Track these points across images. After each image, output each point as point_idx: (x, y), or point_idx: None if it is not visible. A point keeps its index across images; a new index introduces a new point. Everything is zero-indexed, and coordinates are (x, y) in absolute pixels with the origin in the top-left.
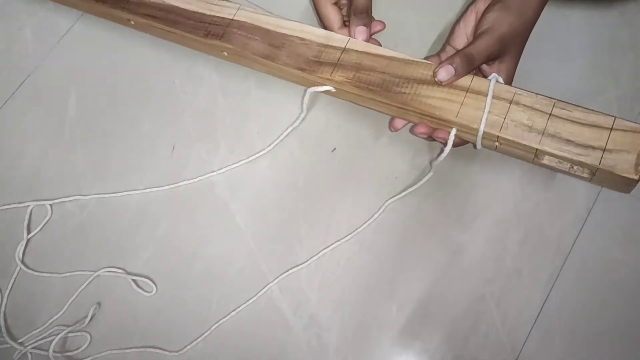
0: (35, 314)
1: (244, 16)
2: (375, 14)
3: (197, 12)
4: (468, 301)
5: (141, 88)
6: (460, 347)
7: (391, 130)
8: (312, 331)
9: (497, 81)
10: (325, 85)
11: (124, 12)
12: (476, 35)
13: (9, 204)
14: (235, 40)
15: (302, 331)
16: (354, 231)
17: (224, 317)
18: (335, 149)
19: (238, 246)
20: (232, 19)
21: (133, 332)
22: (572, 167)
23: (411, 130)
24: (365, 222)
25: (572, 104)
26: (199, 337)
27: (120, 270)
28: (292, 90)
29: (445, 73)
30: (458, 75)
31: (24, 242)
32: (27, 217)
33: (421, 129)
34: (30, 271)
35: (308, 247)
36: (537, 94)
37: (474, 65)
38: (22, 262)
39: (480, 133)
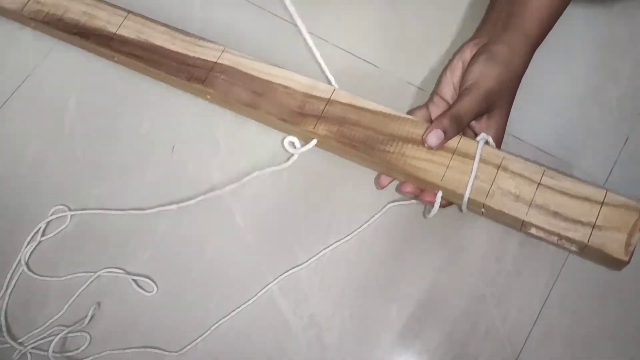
0: (36, 314)
1: (227, 59)
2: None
3: (180, 53)
4: (468, 301)
5: (141, 88)
6: (460, 347)
7: (377, 188)
8: (312, 331)
9: (486, 142)
10: (309, 143)
11: (107, 50)
12: (462, 92)
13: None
14: (218, 86)
15: (302, 331)
16: (354, 231)
17: (224, 317)
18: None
19: (238, 246)
20: (215, 62)
21: (133, 333)
22: (560, 239)
23: (397, 189)
24: (366, 222)
25: (562, 173)
26: (198, 338)
27: (120, 271)
28: None
29: (435, 138)
30: (448, 138)
31: (34, 244)
32: (45, 221)
33: (407, 189)
34: (31, 274)
35: (308, 247)
36: (526, 159)
37: (462, 126)
38: (27, 264)
39: (466, 200)
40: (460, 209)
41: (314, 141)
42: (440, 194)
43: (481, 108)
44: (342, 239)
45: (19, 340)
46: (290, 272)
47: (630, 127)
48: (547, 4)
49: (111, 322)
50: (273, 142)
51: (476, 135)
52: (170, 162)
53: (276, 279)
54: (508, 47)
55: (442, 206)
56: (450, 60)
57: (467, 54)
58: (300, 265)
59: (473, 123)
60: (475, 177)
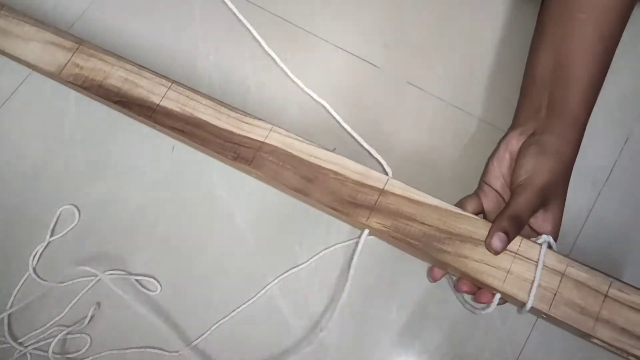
0: (37, 315)
1: (275, 140)
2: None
3: (226, 130)
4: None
5: None
6: (460, 347)
7: (430, 281)
8: (312, 331)
9: (549, 245)
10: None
11: (150, 122)
12: (516, 189)
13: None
14: (266, 168)
15: (302, 331)
16: (354, 231)
17: (224, 317)
18: (335, 148)
19: (238, 246)
20: (263, 142)
21: (133, 333)
22: (628, 356)
23: (454, 288)
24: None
25: (630, 286)
26: (199, 338)
27: (122, 272)
28: None
29: (499, 242)
30: (510, 239)
31: (44, 244)
32: (54, 220)
33: (464, 288)
34: (37, 278)
35: (308, 247)
36: (591, 267)
37: (522, 225)
38: (34, 266)
39: (528, 308)
40: (519, 312)
41: (366, 232)
42: (498, 296)
43: (538, 204)
44: (343, 239)
45: (19, 341)
46: (290, 272)
47: (630, 127)
48: (588, 79)
49: (111, 322)
50: None
51: (532, 229)
52: (170, 163)
53: (276, 279)
54: (558, 137)
55: (498, 304)
56: (496, 149)
57: (514, 144)
58: (300, 265)
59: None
60: (538, 285)
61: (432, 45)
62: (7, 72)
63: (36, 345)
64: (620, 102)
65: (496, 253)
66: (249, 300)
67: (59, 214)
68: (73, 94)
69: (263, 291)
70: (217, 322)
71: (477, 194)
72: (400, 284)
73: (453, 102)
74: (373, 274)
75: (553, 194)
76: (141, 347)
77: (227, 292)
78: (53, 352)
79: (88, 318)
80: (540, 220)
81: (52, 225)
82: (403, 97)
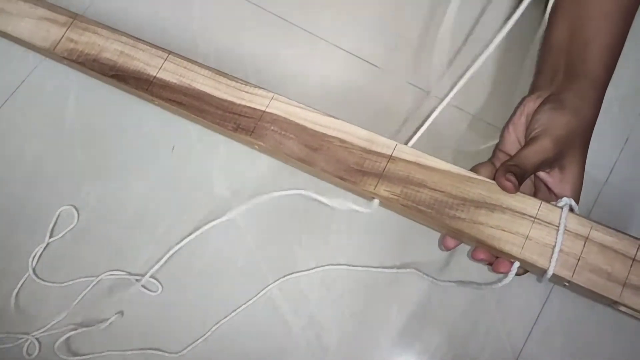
0: (37, 315)
1: (277, 108)
2: None
3: (225, 100)
4: (468, 301)
5: None
6: (460, 347)
7: (442, 250)
8: (312, 331)
9: (570, 208)
10: (371, 204)
11: (147, 95)
12: (528, 140)
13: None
14: (268, 138)
15: (302, 331)
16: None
17: (224, 317)
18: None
19: (238, 246)
20: (264, 111)
21: (133, 333)
22: None
23: (470, 256)
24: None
25: None
26: (199, 338)
27: (123, 272)
28: None
29: (507, 182)
30: (515, 187)
31: (43, 245)
32: (54, 220)
33: (480, 256)
34: (36, 278)
35: (308, 247)
36: (617, 230)
37: (527, 171)
38: (34, 267)
39: (549, 276)
40: (539, 280)
41: (376, 201)
42: (516, 264)
43: (549, 155)
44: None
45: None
46: (291, 275)
47: (630, 127)
48: (607, 44)
49: (113, 323)
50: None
51: (549, 191)
52: (170, 162)
53: (276, 280)
54: (575, 95)
55: (517, 274)
56: (512, 116)
57: (530, 105)
58: (300, 265)
59: (546, 178)
60: (560, 250)
61: (433, 44)
62: (7, 72)
63: (43, 334)
64: (620, 102)
65: (507, 190)
66: (249, 300)
67: (58, 215)
68: (73, 94)
69: (263, 292)
70: (217, 323)
71: (491, 161)
72: (400, 284)
73: (453, 102)
74: (373, 273)
75: (569, 151)
76: (141, 349)
77: (227, 292)
78: (58, 348)
79: (107, 323)
80: (558, 181)
81: (51, 226)
82: (404, 98)
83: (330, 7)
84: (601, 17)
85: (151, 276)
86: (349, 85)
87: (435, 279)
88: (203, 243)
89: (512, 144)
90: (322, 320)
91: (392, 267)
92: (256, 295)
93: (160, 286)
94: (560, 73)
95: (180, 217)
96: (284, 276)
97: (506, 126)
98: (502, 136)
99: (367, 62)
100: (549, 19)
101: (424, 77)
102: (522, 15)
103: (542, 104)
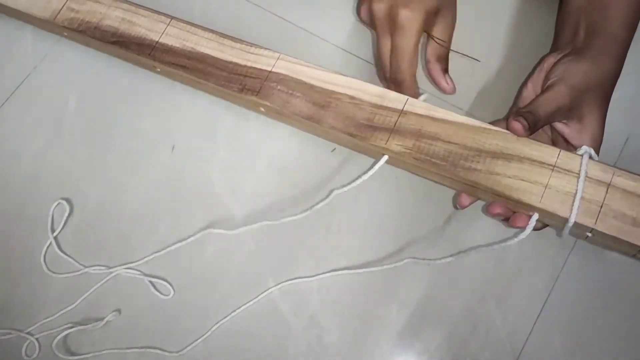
0: (42, 309)
1: (284, 67)
2: None
3: (230, 62)
4: (468, 301)
5: (141, 87)
6: (460, 347)
7: (456, 208)
8: (312, 331)
9: (590, 157)
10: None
11: (149, 60)
12: (543, 89)
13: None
14: (274, 97)
15: (302, 331)
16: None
17: (224, 317)
18: (335, 149)
19: (238, 247)
20: (270, 71)
21: (132, 333)
22: None
23: (486, 210)
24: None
25: None
26: (199, 338)
27: (136, 272)
28: None
29: (517, 123)
30: (525, 129)
31: (48, 242)
32: (50, 216)
33: (497, 210)
34: (47, 271)
35: (308, 247)
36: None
37: (540, 118)
38: (45, 261)
39: (571, 224)
40: (559, 234)
41: (385, 157)
42: (535, 216)
43: (564, 103)
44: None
45: (27, 331)
46: (291, 277)
47: (630, 127)
48: (628, 4)
49: (112, 322)
50: (274, 142)
51: (567, 143)
52: (170, 162)
53: (276, 280)
54: (596, 49)
55: (535, 229)
56: (530, 74)
57: (551, 59)
58: (300, 266)
59: (563, 129)
60: (581, 197)
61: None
62: (7, 71)
63: (41, 335)
64: (621, 102)
65: (517, 132)
66: (249, 300)
67: (53, 210)
68: (73, 94)
69: (263, 292)
70: (217, 323)
71: (505, 119)
72: (400, 284)
73: (454, 102)
74: (373, 273)
75: (587, 101)
76: (142, 347)
77: (227, 292)
78: (56, 345)
79: (104, 322)
80: (576, 133)
81: (61, 222)
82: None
83: (330, 7)
84: None
85: (162, 278)
86: None
87: (432, 259)
88: (203, 242)
89: (529, 100)
90: (322, 320)
91: (389, 263)
92: (256, 296)
93: (172, 290)
94: (580, 32)
95: (180, 217)
96: (286, 280)
97: (524, 84)
98: (519, 93)
99: (366, 61)
100: None
101: (423, 77)
102: (525, 15)
103: (561, 58)
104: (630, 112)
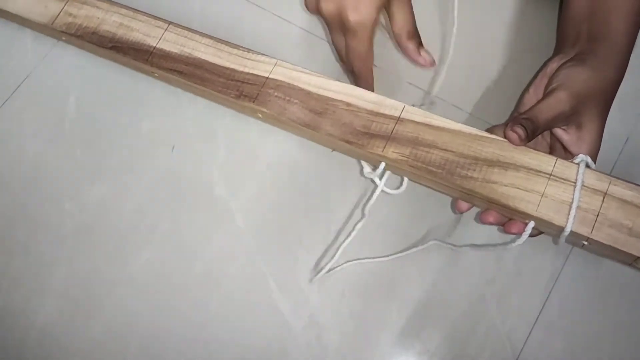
0: None
1: (281, 74)
2: None
3: (227, 68)
4: (468, 301)
5: (141, 88)
6: (460, 347)
7: (455, 213)
8: (312, 331)
9: (587, 165)
10: (379, 166)
11: (147, 66)
12: (544, 95)
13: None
14: (272, 104)
15: (302, 331)
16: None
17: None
18: (334, 149)
19: (238, 246)
20: (267, 77)
21: (133, 332)
22: None
23: (478, 218)
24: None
25: None
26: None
27: None
28: None
29: (515, 134)
30: (527, 135)
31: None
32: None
33: (490, 219)
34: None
35: (308, 247)
36: (638, 185)
37: (539, 125)
38: None
39: (567, 233)
40: (556, 242)
41: (382, 165)
42: (531, 224)
43: (565, 109)
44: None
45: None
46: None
47: (630, 127)
48: (630, 10)
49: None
50: (274, 142)
51: (566, 150)
52: (170, 162)
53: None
54: (598, 56)
55: (531, 235)
56: (533, 79)
57: (552, 68)
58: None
59: (562, 135)
60: (577, 206)
61: (433, 44)
62: (7, 72)
63: None
64: (620, 102)
65: (514, 142)
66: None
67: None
68: (73, 94)
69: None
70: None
71: (506, 123)
72: (400, 284)
73: (455, 102)
74: (373, 273)
75: (587, 109)
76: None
77: (227, 292)
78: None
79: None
80: (575, 140)
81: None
82: (403, 97)
83: None
84: None
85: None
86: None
87: (455, 245)
88: (203, 242)
89: (530, 105)
90: (322, 320)
91: (414, 247)
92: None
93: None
94: (582, 38)
95: (180, 217)
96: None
97: (526, 89)
98: (520, 99)
99: None
100: None
101: (424, 77)
102: (526, 17)
103: (564, 63)
104: (630, 112)
